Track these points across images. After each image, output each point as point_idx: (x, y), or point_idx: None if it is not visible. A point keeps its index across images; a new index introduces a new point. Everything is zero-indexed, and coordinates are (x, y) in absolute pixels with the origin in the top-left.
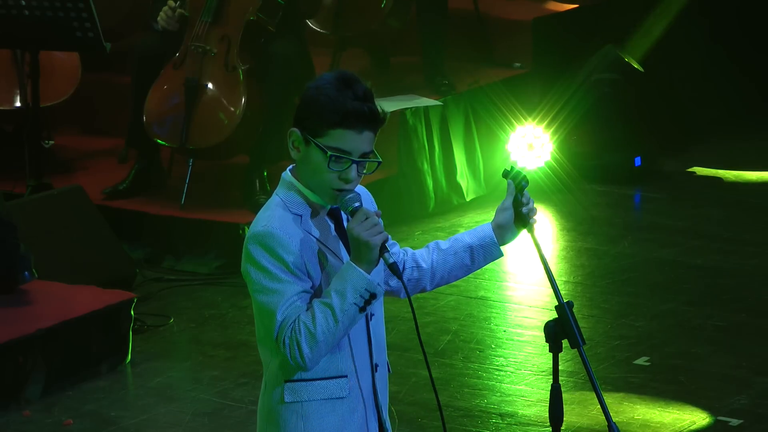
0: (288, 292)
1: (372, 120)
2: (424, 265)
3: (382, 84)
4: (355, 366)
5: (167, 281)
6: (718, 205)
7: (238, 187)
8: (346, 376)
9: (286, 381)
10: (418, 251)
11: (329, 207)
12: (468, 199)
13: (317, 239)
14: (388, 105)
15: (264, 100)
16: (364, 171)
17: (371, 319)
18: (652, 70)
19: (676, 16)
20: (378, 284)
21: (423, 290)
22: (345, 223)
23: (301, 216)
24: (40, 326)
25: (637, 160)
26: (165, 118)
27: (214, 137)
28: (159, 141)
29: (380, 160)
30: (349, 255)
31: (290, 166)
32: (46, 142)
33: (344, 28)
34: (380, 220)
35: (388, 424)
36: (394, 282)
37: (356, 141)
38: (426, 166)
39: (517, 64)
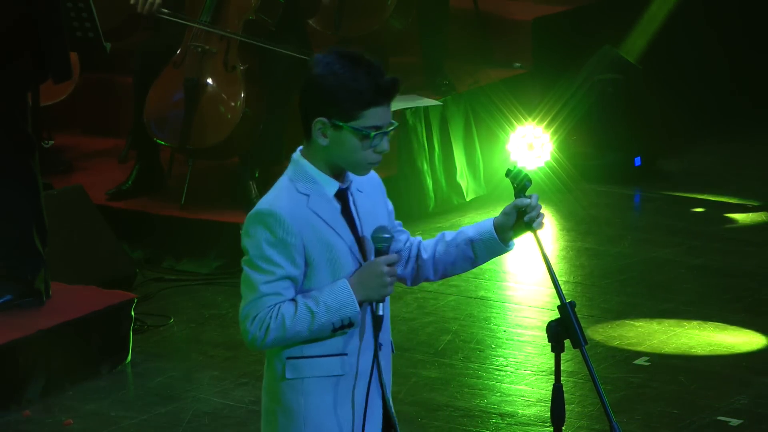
0: (276, 273)
1: (396, 90)
2: (425, 255)
3: None
4: (354, 345)
5: (167, 281)
6: (718, 205)
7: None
8: (345, 354)
9: (288, 358)
10: (425, 242)
11: (337, 188)
12: (468, 199)
13: (322, 219)
14: None
15: (264, 101)
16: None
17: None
18: (652, 70)
19: (672, 14)
20: (359, 314)
21: (427, 279)
22: (351, 206)
23: (308, 196)
24: (40, 326)
25: (637, 160)
26: (165, 118)
27: (214, 137)
28: (159, 141)
29: (396, 123)
30: (354, 279)
31: (300, 147)
32: (46, 142)
33: (346, 29)
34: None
35: (391, 403)
36: (399, 270)
37: (386, 114)
38: (426, 166)
39: (517, 64)
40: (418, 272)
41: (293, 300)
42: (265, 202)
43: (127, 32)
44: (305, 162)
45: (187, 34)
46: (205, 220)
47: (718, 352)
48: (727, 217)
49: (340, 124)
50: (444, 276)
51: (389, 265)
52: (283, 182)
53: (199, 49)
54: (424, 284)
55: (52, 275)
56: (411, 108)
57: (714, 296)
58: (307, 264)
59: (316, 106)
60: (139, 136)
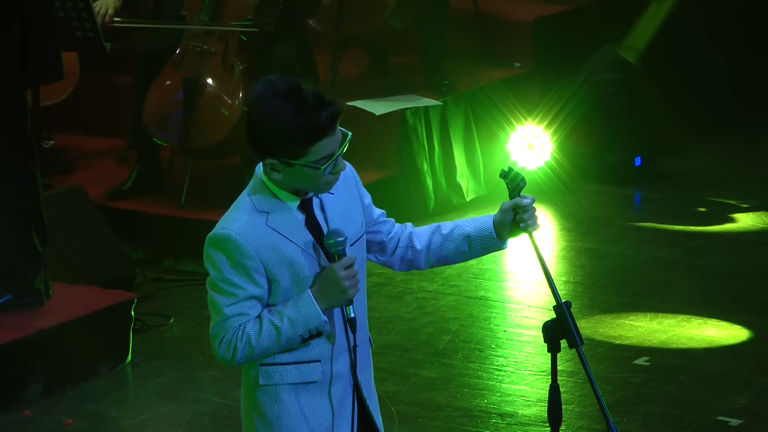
0: (239, 295)
1: (337, 118)
2: (418, 246)
3: (382, 84)
4: (327, 351)
5: (167, 281)
6: (718, 205)
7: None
8: (319, 361)
9: (261, 365)
10: (417, 230)
11: (299, 200)
12: (468, 199)
13: (283, 235)
14: (388, 105)
15: None
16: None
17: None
18: (652, 70)
19: (670, 13)
20: (326, 323)
21: (418, 268)
22: (317, 214)
23: (267, 213)
24: (40, 326)
25: (637, 160)
26: (163, 118)
27: (212, 137)
28: (158, 141)
29: (350, 133)
30: (313, 287)
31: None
32: (46, 142)
33: (346, 29)
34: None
35: (370, 400)
36: (384, 257)
37: (334, 141)
38: (426, 166)
39: (517, 64)
40: (411, 261)
41: (259, 317)
42: (221, 226)
43: (126, 32)
44: (265, 179)
45: (186, 34)
46: (205, 220)
47: (718, 352)
48: (727, 217)
49: (290, 162)
50: (434, 266)
51: (348, 267)
52: (242, 200)
53: (198, 49)
54: (425, 284)
55: (52, 275)
56: (411, 108)
57: (714, 296)
58: (270, 281)
59: (261, 147)
60: (139, 137)
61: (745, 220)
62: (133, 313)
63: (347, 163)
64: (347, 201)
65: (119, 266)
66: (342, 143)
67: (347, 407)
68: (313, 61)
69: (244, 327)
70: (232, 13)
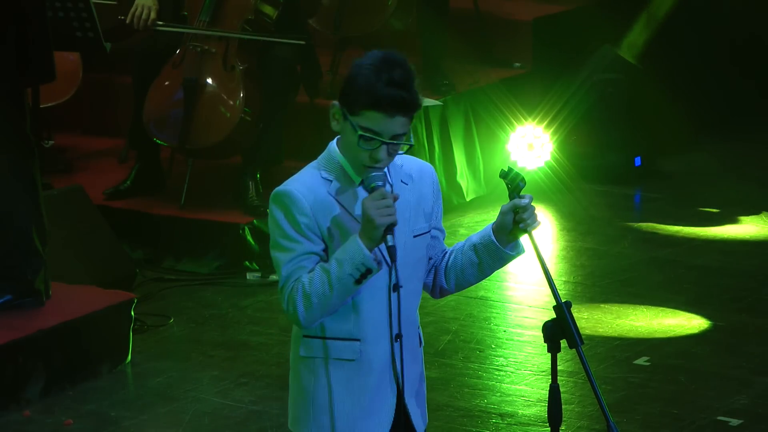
0: (297, 250)
1: (403, 106)
2: (438, 264)
3: None
4: (369, 332)
5: (167, 281)
6: (719, 205)
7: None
8: (358, 340)
9: (303, 336)
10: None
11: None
12: (468, 199)
13: (342, 205)
14: None
15: (263, 103)
16: (397, 151)
17: (396, 290)
18: (652, 70)
19: (671, 13)
20: (376, 261)
21: (442, 287)
22: None
23: (330, 181)
24: (40, 326)
25: (637, 160)
26: (164, 118)
27: (213, 137)
28: (158, 141)
29: (412, 143)
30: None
31: (337, 137)
32: (46, 142)
33: (346, 29)
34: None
35: (414, 400)
36: (426, 278)
37: (387, 124)
38: None
39: (517, 64)
40: (435, 280)
41: (314, 268)
42: (283, 183)
43: (126, 32)
44: (335, 149)
45: (186, 34)
46: (205, 220)
47: (718, 352)
48: (727, 217)
49: (345, 114)
50: (458, 285)
51: (379, 199)
52: (309, 166)
53: (198, 49)
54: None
55: (52, 275)
56: None
57: (714, 296)
58: (325, 243)
59: (341, 90)
60: (136, 136)
61: (745, 220)
62: (133, 313)
63: (429, 166)
64: (419, 196)
65: (119, 266)
66: (395, 138)
67: (386, 397)
68: (316, 61)
69: (299, 278)
70: (232, 13)
